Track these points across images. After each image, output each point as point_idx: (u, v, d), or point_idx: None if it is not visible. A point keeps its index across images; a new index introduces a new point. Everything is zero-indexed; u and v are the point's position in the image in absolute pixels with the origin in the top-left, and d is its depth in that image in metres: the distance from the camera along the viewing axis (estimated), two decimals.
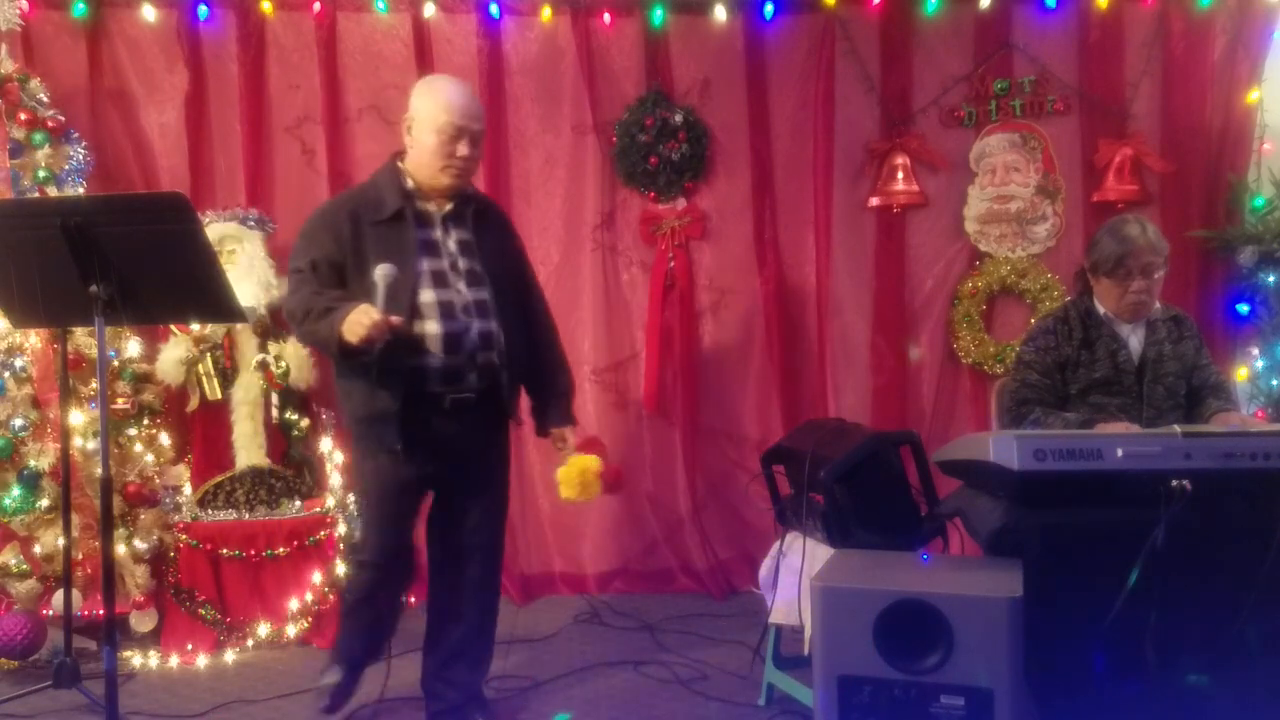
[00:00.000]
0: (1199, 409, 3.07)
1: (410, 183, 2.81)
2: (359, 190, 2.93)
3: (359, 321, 2.53)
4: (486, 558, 3.03)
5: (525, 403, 3.09)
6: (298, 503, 3.93)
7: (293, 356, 3.98)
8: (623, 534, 4.52)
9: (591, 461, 2.96)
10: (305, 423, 4.07)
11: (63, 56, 4.19)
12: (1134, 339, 3.09)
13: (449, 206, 2.83)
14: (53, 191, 3.75)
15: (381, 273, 2.61)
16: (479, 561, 3.00)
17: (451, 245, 2.81)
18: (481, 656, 3.08)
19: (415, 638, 3.67)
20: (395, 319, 2.58)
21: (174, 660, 3.63)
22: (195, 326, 3.89)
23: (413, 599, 4.30)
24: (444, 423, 2.78)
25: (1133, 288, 3.00)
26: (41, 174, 3.76)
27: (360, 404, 2.79)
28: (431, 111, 2.75)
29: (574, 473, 2.95)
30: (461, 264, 2.80)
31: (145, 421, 3.88)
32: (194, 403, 3.95)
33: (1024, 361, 3.16)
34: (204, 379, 3.92)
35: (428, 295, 2.73)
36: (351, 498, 4.04)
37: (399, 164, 2.85)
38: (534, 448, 4.49)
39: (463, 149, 2.75)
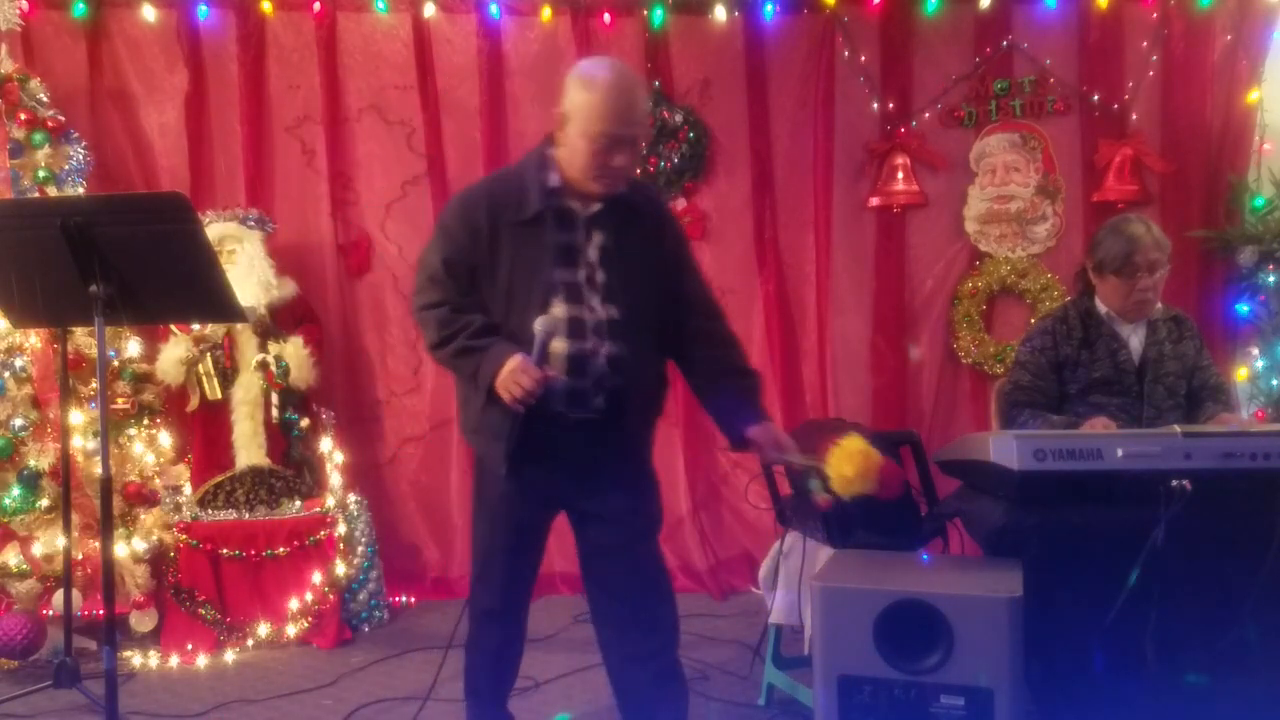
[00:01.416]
0: (1197, 411, 3.07)
1: (557, 178, 2.46)
2: (503, 178, 2.59)
3: (516, 381, 2.34)
4: (631, 611, 2.61)
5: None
6: (298, 503, 3.93)
7: (293, 356, 3.98)
8: None
9: (860, 442, 2.45)
10: (305, 422, 4.07)
11: (63, 56, 4.19)
12: (1134, 339, 3.08)
13: (596, 207, 2.46)
14: (53, 191, 3.75)
15: (541, 325, 2.36)
16: (621, 611, 2.63)
17: (592, 253, 2.47)
18: None
19: (413, 638, 3.67)
20: (551, 373, 2.38)
21: (174, 660, 3.63)
22: (195, 326, 3.89)
23: (412, 599, 4.32)
24: (565, 440, 2.49)
25: (1139, 285, 3.00)
26: (41, 174, 3.76)
27: (473, 415, 2.56)
28: (586, 115, 2.35)
29: (847, 453, 2.43)
30: (599, 276, 2.46)
31: (145, 421, 3.88)
32: (194, 403, 3.95)
33: (1019, 362, 3.16)
34: (204, 379, 3.92)
35: (559, 310, 2.43)
36: (352, 497, 4.05)
37: (549, 152, 2.48)
38: None
39: (618, 159, 2.38)
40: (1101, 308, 3.11)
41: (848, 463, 2.39)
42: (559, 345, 2.44)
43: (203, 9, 4.23)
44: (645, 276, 2.52)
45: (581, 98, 2.37)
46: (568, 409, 2.47)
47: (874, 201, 4.48)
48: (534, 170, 2.48)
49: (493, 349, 2.41)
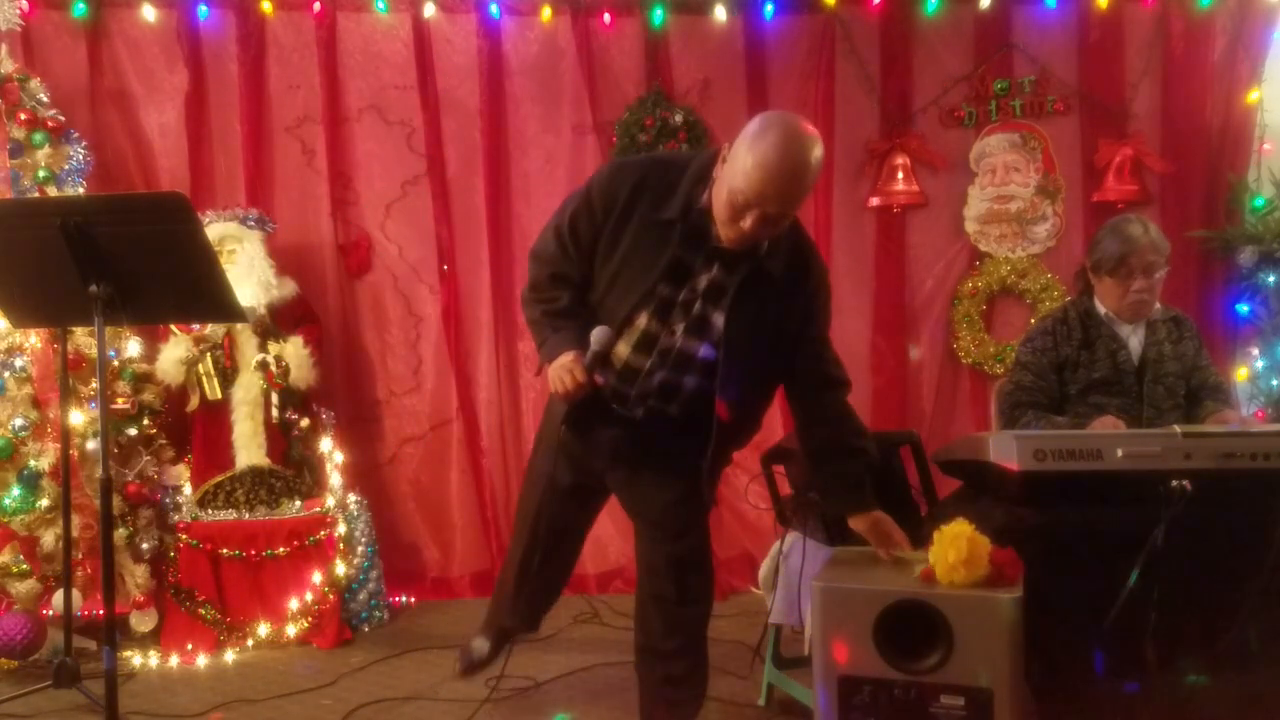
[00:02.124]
0: (1197, 410, 3.07)
1: (706, 198, 2.37)
2: (663, 165, 2.48)
3: (561, 378, 2.40)
4: (655, 604, 2.65)
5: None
6: (298, 503, 3.93)
7: (293, 356, 3.98)
8: (623, 534, 4.50)
9: (965, 528, 2.26)
10: (305, 422, 4.07)
11: (63, 56, 4.19)
12: (1134, 339, 3.08)
13: (727, 242, 2.36)
14: (53, 191, 3.75)
15: (596, 337, 2.39)
16: (648, 602, 2.67)
17: (703, 282, 2.41)
18: None
19: (412, 638, 3.67)
20: (599, 380, 2.43)
21: (174, 660, 3.62)
22: (195, 326, 3.89)
23: (412, 599, 4.32)
24: (613, 424, 2.55)
25: (1135, 287, 3.00)
26: (41, 174, 3.76)
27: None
28: (736, 170, 2.25)
29: (950, 541, 2.24)
30: (698, 307, 2.41)
31: (145, 421, 3.88)
32: (194, 402, 3.95)
33: (1020, 363, 3.16)
34: (204, 379, 3.91)
35: (641, 319, 2.42)
36: (352, 497, 4.05)
37: (715, 169, 2.37)
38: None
39: (747, 223, 2.27)
40: (1101, 308, 3.11)
41: (952, 549, 2.22)
42: (622, 349, 2.45)
43: (203, 9, 4.23)
44: (754, 331, 2.42)
45: (742, 151, 2.25)
46: (611, 401, 2.52)
47: (874, 201, 4.48)
48: (693, 178, 2.40)
49: (559, 335, 2.45)
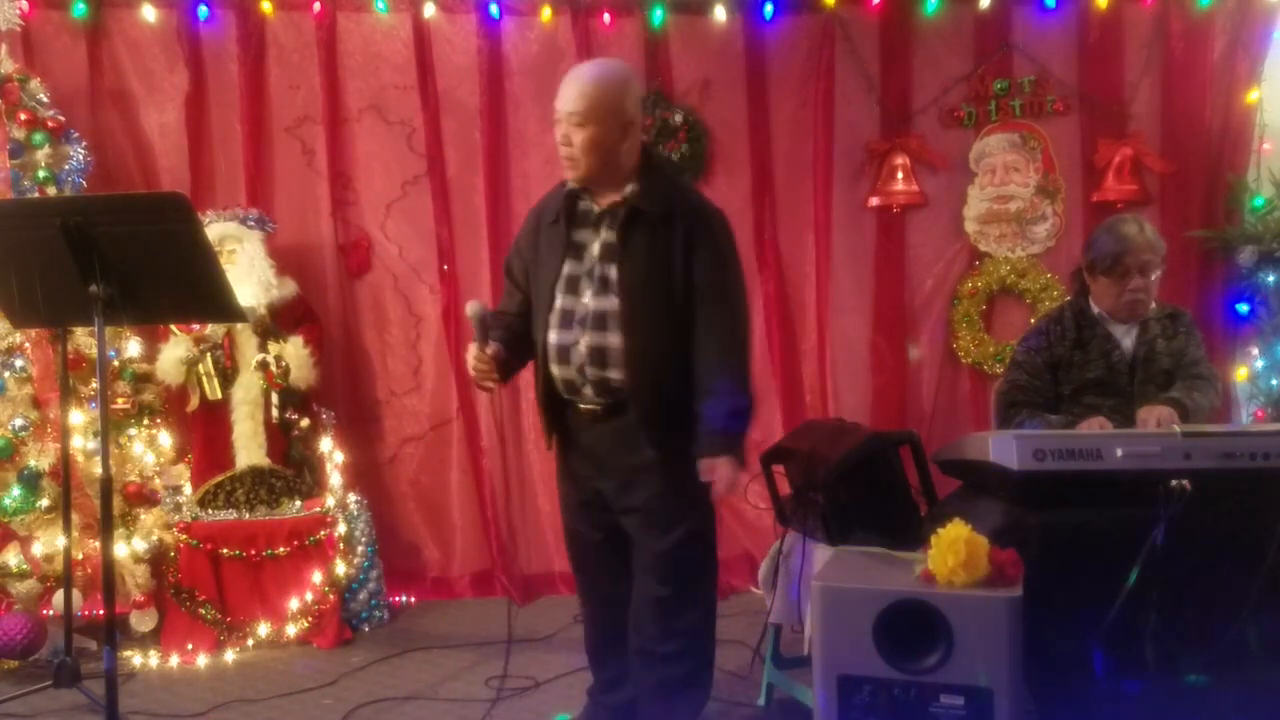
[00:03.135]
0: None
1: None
2: (557, 186, 2.75)
3: (469, 366, 2.64)
4: (648, 606, 2.68)
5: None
6: (298, 502, 3.93)
7: (293, 356, 3.98)
8: None
9: (963, 530, 2.27)
10: (305, 422, 4.07)
11: (63, 56, 4.19)
12: (1128, 339, 3.08)
13: (608, 204, 2.60)
14: (53, 191, 3.75)
15: (468, 311, 2.62)
16: (640, 604, 2.71)
17: (597, 247, 2.60)
18: None
19: (412, 638, 3.68)
20: (490, 349, 2.60)
21: (174, 660, 3.63)
22: (195, 326, 3.89)
23: (412, 599, 4.32)
24: (583, 430, 2.68)
25: (1130, 286, 3.00)
26: (41, 174, 3.76)
27: None
28: None
29: (948, 545, 2.24)
30: (598, 270, 2.59)
31: (145, 421, 3.88)
32: (194, 402, 3.95)
33: (1015, 362, 3.17)
34: (204, 379, 3.91)
35: (557, 301, 2.62)
36: (352, 497, 4.05)
37: None
38: (533, 446, 4.49)
39: (558, 134, 2.58)
40: (1095, 308, 3.10)
41: (950, 552, 2.23)
42: (551, 337, 2.63)
43: (203, 9, 4.23)
44: (647, 273, 2.56)
45: None
46: (568, 397, 2.66)
47: (874, 201, 4.48)
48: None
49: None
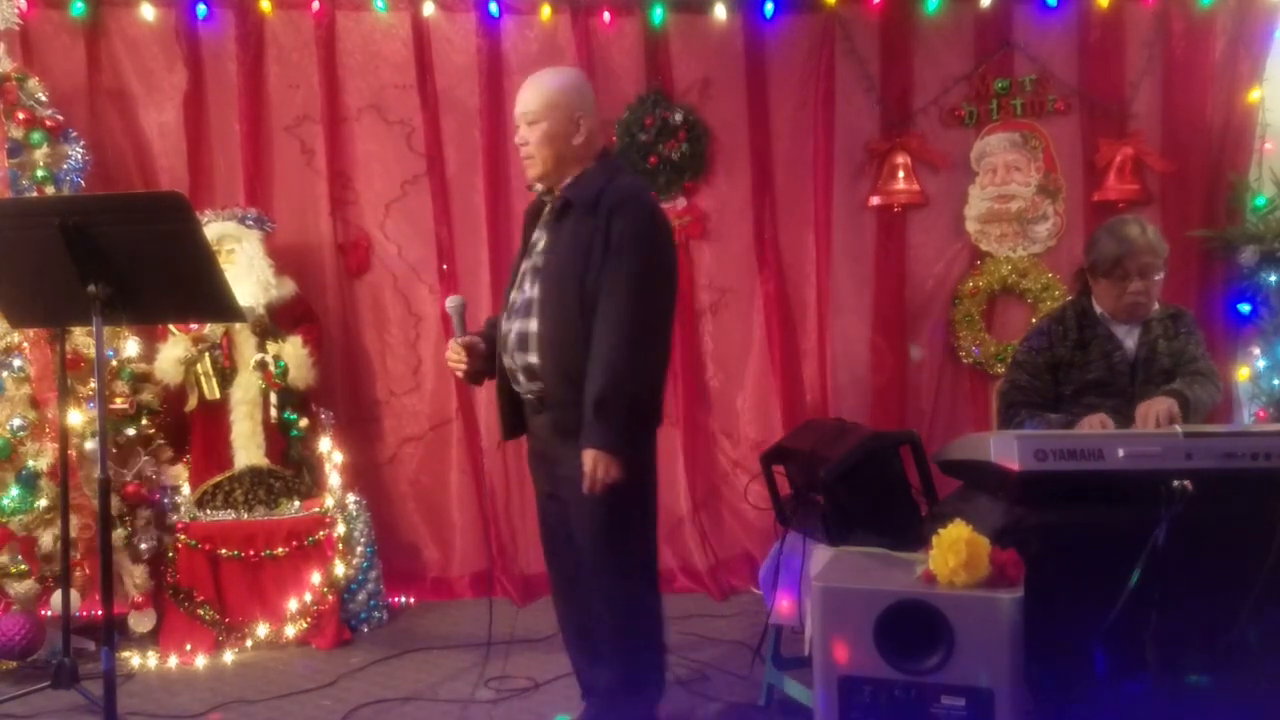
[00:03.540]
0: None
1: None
2: None
3: (447, 358, 2.82)
4: (600, 603, 2.76)
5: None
6: (296, 503, 3.93)
7: (292, 356, 3.97)
8: None
9: (963, 530, 2.24)
10: (304, 422, 4.07)
11: (61, 56, 4.19)
12: (1130, 340, 3.07)
13: (554, 200, 2.75)
14: (51, 191, 3.74)
15: (448, 305, 2.85)
16: (597, 603, 2.78)
17: (541, 244, 2.75)
18: None
19: (412, 637, 3.67)
20: (466, 339, 2.78)
21: (173, 660, 3.62)
22: (194, 326, 3.88)
23: (412, 599, 4.31)
24: (530, 420, 2.80)
25: (1130, 288, 2.99)
26: (40, 173, 3.75)
27: None
28: None
29: (949, 545, 2.23)
30: (538, 261, 2.73)
31: (144, 421, 3.87)
32: (192, 402, 3.94)
33: (1016, 362, 3.16)
34: (203, 379, 3.91)
35: (511, 295, 2.80)
36: (351, 497, 4.05)
37: None
38: None
39: (518, 140, 2.80)
40: (1097, 308, 3.10)
41: (951, 553, 2.21)
42: (502, 327, 2.78)
43: (201, 8, 4.23)
44: (563, 260, 2.66)
45: None
46: (515, 388, 2.78)
47: (874, 201, 4.48)
48: None
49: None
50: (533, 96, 2.75)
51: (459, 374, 2.84)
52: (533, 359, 2.67)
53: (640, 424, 2.65)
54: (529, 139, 2.74)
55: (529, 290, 2.71)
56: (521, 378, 2.72)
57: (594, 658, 2.86)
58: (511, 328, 2.72)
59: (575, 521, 2.72)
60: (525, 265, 2.77)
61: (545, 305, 2.65)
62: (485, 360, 2.83)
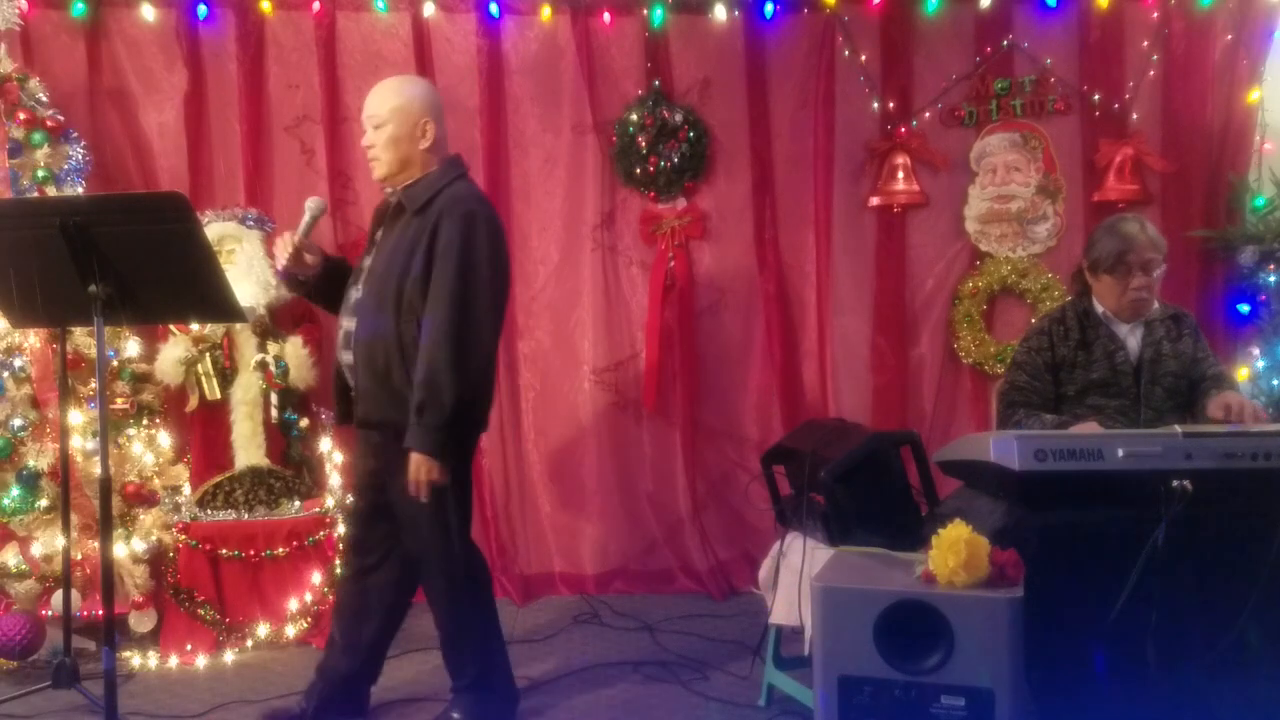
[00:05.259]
0: (1198, 398, 3.05)
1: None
2: None
3: (274, 245, 2.90)
4: (397, 587, 3.03)
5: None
6: (297, 503, 3.93)
7: (292, 356, 3.97)
8: (623, 534, 4.51)
9: (963, 530, 2.25)
10: (305, 423, 4.07)
11: (62, 56, 4.19)
12: (1132, 339, 3.07)
13: (392, 202, 2.91)
14: (52, 191, 3.74)
15: (309, 203, 2.91)
16: (392, 586, 3.03)
17: (378, 242, 2.91)
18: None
19: (412, 638, 3.67)
20: (303, 241, 2.85)
21: (173, 660, 3.62)
22: (194, 326, 3.88)
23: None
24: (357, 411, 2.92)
25: (1134, 285, 3.00)
26: (41, 174, 3.75)
27: None
28: None
29: (948, 546, 2.24)
30: (369, 262, 2.89)
31: (144, 421, 3.87)
32: (193, 403, 3.94)
33: (1015, 363, 3.16)
34: (203, 379, 3.91)
35: (350, 293, 2.91)
36: (349, 498, 4.05)
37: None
38: (533, 446, 4.49)
39: (364, 142, 2.89)
40: (1099, 308, 3.10)
41: (951, 553, 2.22)
42: (344, 322, 2.90)
43: (202, 8, 4.23)
44: (389, 260, 2.79)
45: None
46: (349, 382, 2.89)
47: (874, 201, 4.48)
48: None
49: None
50: (380, 101, 2.84)
51: (278, 265, 2.88)
52: (350, 358, 2.84)
53: (462, 429, 2.75)
54: (375, 141, 2.84)
55: (360, 289, 2.86)
56: (346, 374, 2.89)
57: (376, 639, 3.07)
58: (343, 325, 2.89)
59: (399, 510, 2.88)
60: (365, 263, 2.90)
61: (362, 306, 2.81)
62: (310, 277, 2.92)
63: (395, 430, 2.74)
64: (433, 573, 2.92)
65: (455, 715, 2.95)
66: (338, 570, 3.82)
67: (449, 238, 2.71)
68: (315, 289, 3.00)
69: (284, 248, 2.85)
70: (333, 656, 3.04)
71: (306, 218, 2.88)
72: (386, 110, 2.83)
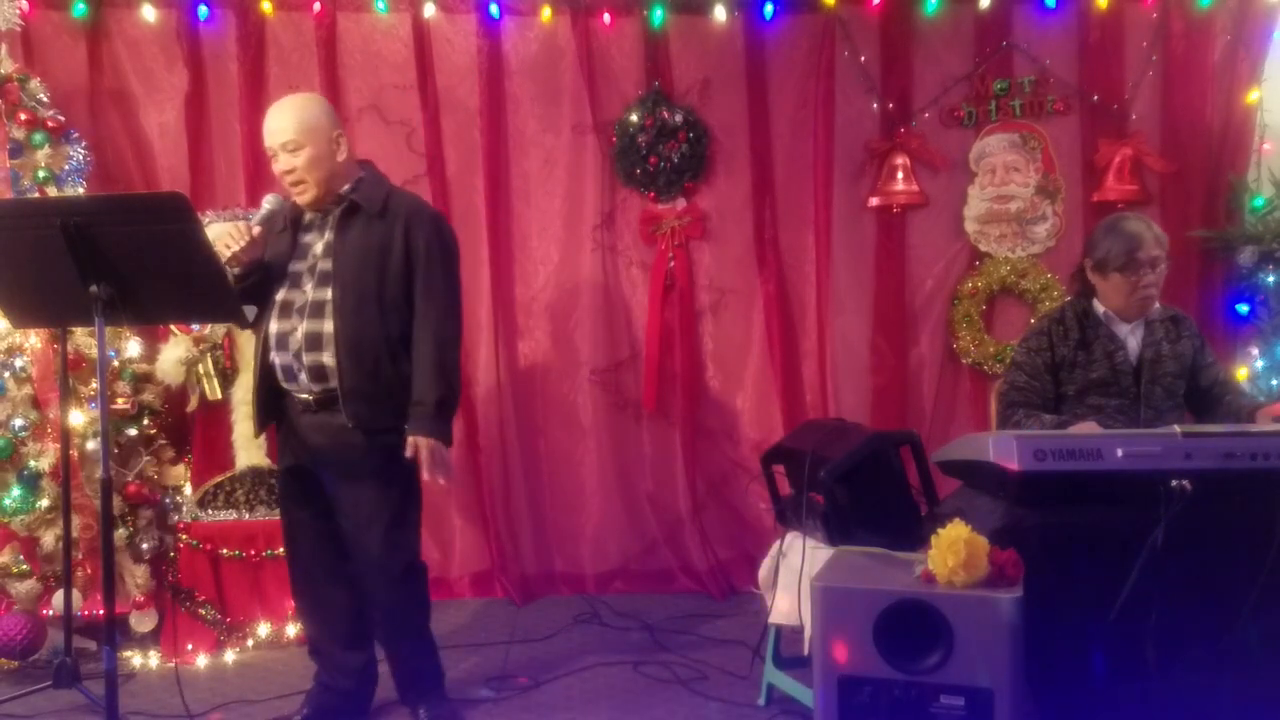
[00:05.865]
0: (1216, 407, 3.06)
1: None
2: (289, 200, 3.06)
3: (226, 232, 2.86)
4: (355, 591, 3.04)
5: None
6: None
7: None
8: (623, 534, 4.52)
9: (963, 530, 2.26)
10: None
11: (63, 56, 4.19)
12: (1132, 340, 3.08)
13: (334, 213, 2.92)
14: (53, 191, 3.75)
15: (266, 199, 2.94)
16: (346, 590, 3.05)
17: (319, 248, 2.92)
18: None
19: None
20: (259, 232, 2.87)
21: (174, 661, 3.62)
22: (195, 326, 3.88)
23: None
24: (297, 419, 2.95)
25: (1143, 282, 3.01)
26: (41, 174, 3.76)
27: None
28: None
29: (948, 545, 2.24)
30: (319, 265, 2.90)
31: (145, 421, 3.87)
32: (194, 403, 3.95)
33: (1015, 363, 3.17)
34: (204, 379, 3.92)
35: (279, 295, 2.92)
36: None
37: None
38: (533, 445, 4.49)
39: (277, 167, 2.89)
40: (1099, 308, 3.11)
41: (950, 553, 2.22)
42: (271, 326, 2.89)
43: (202, 9, 4.23)
44: (359, 264, 2.85)
45: None
46: (286, 386, 2.91)
47: (874, 201, 4.48)
48: None
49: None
50: (289, 125, 2.84)
51: (225, 251, 2.83)
52: (326, 358, 2.83)
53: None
54: (295, 165, 2.84)
55: (314, 292, 2.87)
56: (305, 376, 2.86)
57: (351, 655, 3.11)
58: (296, 327, 2.86)
59: (355, 525, 2.91)
60: (300, 266, 2.91)
61: (344, 305, 2.83)
62: (247, 270, 2.90)
63: (386, 423, 2.86)
64: (375, 561, 2.96)
65: (422, 713, 3.07)
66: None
67: (428, 241, 2.89)
68: (249, 282, 2.97)
69: (239, 235, 2.85)
70: (335, 657, 3.10)
71: (264, 210, 2.92)
72: (301, 132, 2.84)
